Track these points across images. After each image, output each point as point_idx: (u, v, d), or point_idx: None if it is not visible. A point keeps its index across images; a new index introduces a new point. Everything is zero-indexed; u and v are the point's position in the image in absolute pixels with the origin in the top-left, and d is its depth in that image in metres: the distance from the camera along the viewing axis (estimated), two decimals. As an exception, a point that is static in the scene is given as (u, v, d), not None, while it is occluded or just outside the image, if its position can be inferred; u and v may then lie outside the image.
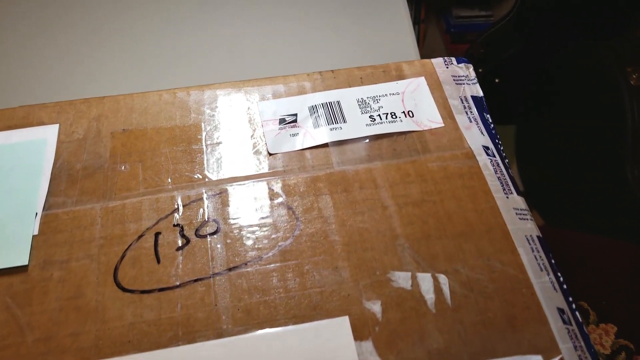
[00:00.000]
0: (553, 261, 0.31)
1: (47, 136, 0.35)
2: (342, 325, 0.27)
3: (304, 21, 0.51)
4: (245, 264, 0.29)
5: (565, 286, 0.30)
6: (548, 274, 0.30)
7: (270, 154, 0.34)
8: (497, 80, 1.13)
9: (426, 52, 1.36)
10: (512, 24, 1.08)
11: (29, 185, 0.32)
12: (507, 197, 0.33)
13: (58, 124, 0.35)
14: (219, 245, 0.30)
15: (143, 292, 0.28)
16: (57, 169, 0.33)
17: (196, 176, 0.33)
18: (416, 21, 1.28)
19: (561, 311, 0.29)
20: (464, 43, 1.31)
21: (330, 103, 0.37)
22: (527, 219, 0.32)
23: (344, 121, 0.36)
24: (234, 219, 0.31)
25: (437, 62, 0.39)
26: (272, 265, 0.29)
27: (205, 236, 0.30)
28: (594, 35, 1.07)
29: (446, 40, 1.35)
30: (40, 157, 0.34)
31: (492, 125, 0.37)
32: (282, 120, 0.36)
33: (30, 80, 0.46)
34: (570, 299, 0.30)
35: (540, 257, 0.31)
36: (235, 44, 0.49)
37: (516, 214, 0.32)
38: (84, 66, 0.47)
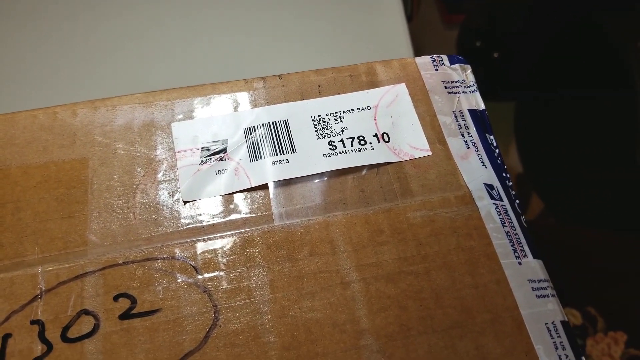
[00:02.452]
0: (584, 359, 0.22)
1: None
2: None
3: (242, 4, 0.39)
4: (133, 386, 0.20)
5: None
6: (580, 387, 0.21)
7: (184, 203, 0.24)
8: (496, 55, 1.03)
9: (419, 23, 1.25)
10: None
11: None
12: (520, 264, 0.23)
13: None
14: (95, 355, 0.20)
15: None
16: None
17: (73, 240, 0.23)
18: (410, -12, 1.17)
19: None
20: (461, 13, 1.21)
21: (274, 124, 0.26)
22: (548, 296, 0.23)
23: (293, 150, 0.25)
24: (121, 311, 0.21)
25: (423, 62, 0.29)
26: (173, 386, 0.20)
27: (75, 340, 0.21)
28: (604, 4, 0.97)
29: (442, 9, 1.23)
30: None
31: (497, 152, 0.27)
32: (205, 150, 0.25)
33: None
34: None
35: (567, 357, 0.21)
36: (146, 38, 0.37)
37: (533, 289, 0.23)
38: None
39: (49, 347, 0.20)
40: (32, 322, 0.21)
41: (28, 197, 0.24)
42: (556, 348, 0.21)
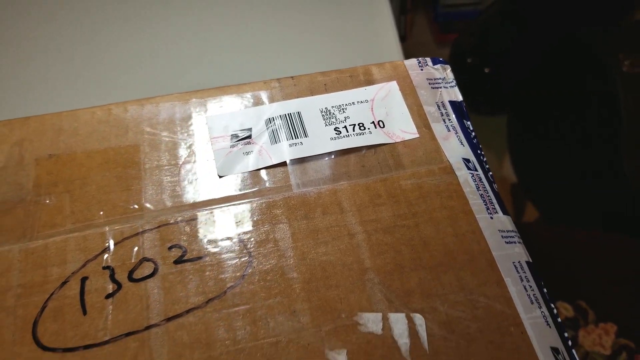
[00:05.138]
0: (545, 290, 0.27)
1: (-39, 165, 0.30)
2: (299, 383, 0.23)
3: (259, 18, 0.46)
4: (187, 312, 0.25)
5: (559, 319, 0.26)
6: (540, 307, 0.26)
7: (219, 177, 0.30)
8: (486, 70, 1.09)
9: (413, 43, 1.32)
10: (503, 10, 1.04)
11: (-64, 225, 0.28)
12: (492, 218, 0.29)
13: (-25, 151, 0.31)
14: (155, 291, 0.26)
15: (66, 350, 0.24)
16: (-30, 204, 0.29)
17: (132, 207, 0.28)
18: (402, 11, 1.24)
19: (556, 351, 0.25)
20: (453, 32, 1.28)
21: (289, 115, 0.32)
22: (515, 242, 0.28)
23: (305, 135, 0.31)
24: (174, 258, 0.27)
25: (410, 63, 0.35)
26: (218, 312, 0.25)
27: (139, 280, 0.26)
28: (589, 21, 1.03)
29: (435, 29, 1.31)
30: (-48, 191, 0.29)
31: (473, 134, 0.33)
32: (234, 136, 0.31)
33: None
34: (566, 334, 0.26)
35: (531, 287, 0.27)
36: (181, 48, 0.44)
37: (502, 237, 0.28)
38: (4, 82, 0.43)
39: (119, 286, 0.26)
40: (104, 268, 0.26)
41: (92, 175, 0.30)
42: (521, 280, 0.27)
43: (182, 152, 0.31)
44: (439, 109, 0.33)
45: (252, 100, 0.33)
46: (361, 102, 0.33)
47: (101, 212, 0.28)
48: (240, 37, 0.44)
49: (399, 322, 0.25)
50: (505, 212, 0.29)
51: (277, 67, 0.42)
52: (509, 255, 0.28)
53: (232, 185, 0.29)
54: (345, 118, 0.32)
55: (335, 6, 0.49)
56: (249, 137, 0.31)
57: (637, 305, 0.83)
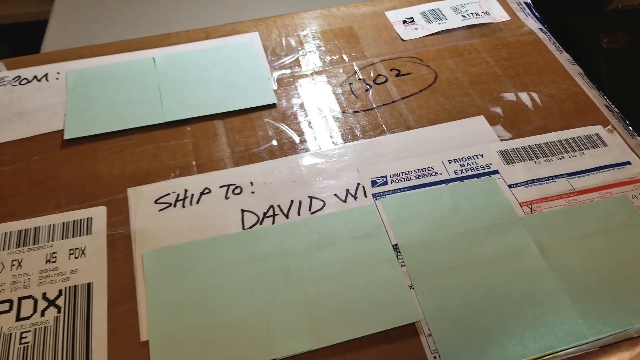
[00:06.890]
0: (596, 85, 0.49)
1: (252, 39, 0.51)
2: (480, 119, 0.45)
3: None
4: (410, 95, 0.47)
5: (605, 97, 0.48)
6: (596, 89, 0.48)
7: (403, 40, 0.52)
8: None
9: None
10: None
11: (255, 64, 0.49)
12: (561, 53, 0.51)
13: (257, 32, 0.52)
14: (391, 87, 0.47)
15: (355, 112, 0.45)
16: (269, 55, 0.50)
17: (362, 54, 0.50)
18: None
19: (607, 106, 0.47)
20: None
21: (433, 9, 0.54)
22: (575, 64, 0.51)
23: (446, 19, 0.54)
24: (395, 75, 0.48)
25: (497, -18, 0.58)
26: (427, 95, 0.47)
27: (381, 83, 0.48)
28: (574, 10, 1.25)
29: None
30: (254, 50, 0.50)
31: (540, 18, 0.55)
32: (404, 22, 0.53)
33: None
34: (610, 102, 0.48)
35: (588, 82, 0.49)
36: None
37: (567, 60, 0.50)
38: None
39: (370, 86, 0.47)
40: (358, 79, 0.48)
41: (332, 41, 0.51)
42: (583, 79, 0.49)
43: (378, 29, 0.53)
44: (519, 5, 0.56)
45: (406, 3, 0.55)
46: (472, 3, 0.55)
47: (346, 57, 0.50)
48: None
49: (523, 96, 0.47)
50: (566, 51, 0.52)
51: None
52: (575, 69, 0.50)
53: (411, 44, 0.51)
54: (466, 10, 0.55)
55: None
56: (413, 21, 0.53)
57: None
